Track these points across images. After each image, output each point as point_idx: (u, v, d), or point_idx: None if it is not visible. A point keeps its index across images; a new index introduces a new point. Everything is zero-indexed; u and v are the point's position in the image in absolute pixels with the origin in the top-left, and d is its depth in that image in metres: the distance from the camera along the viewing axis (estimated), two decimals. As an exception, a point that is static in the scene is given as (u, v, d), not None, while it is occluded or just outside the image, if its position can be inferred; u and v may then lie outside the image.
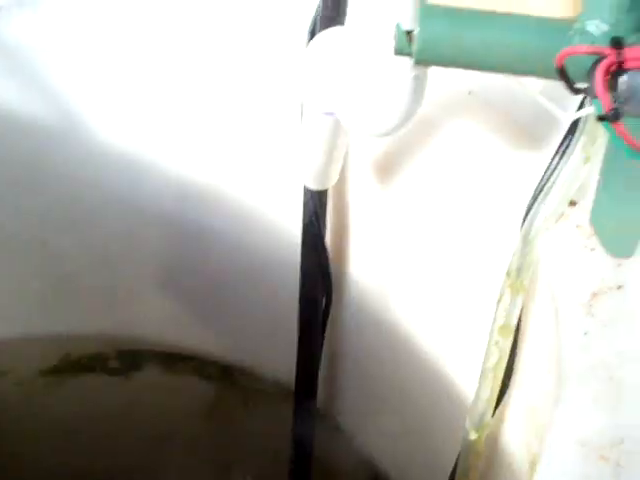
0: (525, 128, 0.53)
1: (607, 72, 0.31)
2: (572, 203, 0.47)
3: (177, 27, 0.66)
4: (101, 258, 0.84)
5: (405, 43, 0.35)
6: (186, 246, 0.86)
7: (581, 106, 0.43)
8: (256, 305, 0.86)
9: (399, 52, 0.35)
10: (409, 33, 0.35)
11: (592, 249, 0.43)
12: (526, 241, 0.46)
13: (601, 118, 0.31)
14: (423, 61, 0.35)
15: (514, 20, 0.35)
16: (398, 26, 0.35)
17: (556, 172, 0.46)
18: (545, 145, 0.51)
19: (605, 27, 0.34)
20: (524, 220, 0.47)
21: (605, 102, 0.30)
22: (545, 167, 0.46)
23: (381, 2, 0.38)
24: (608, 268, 0.41)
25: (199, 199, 0.81)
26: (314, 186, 0.64)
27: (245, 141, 0.73)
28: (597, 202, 0.41)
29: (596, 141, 0.45)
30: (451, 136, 0.57)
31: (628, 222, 0.40)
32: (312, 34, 0.59)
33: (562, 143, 0.46)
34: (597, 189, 0.41)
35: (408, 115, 0.41)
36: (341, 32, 0.46)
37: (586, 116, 0.44)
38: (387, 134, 0.42)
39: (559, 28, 0.34)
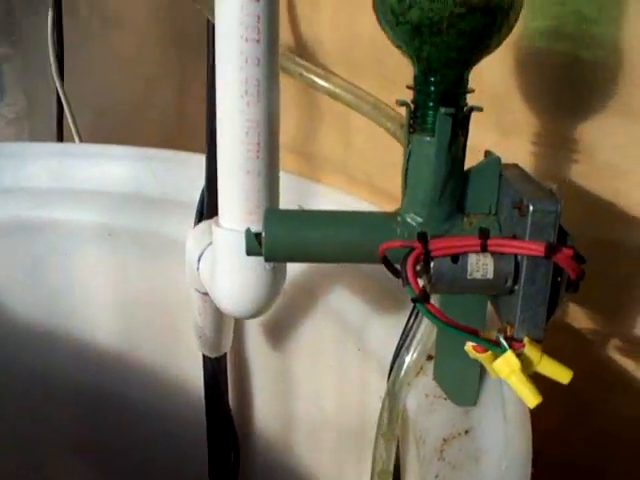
0: (389, 292, 0.59)
1: (416, 262, 0.37)
2: (429, 357, 0.53)
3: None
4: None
5: (255, 245, 0.41)
6: (97, 413, 0.89)
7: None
8: (167, 466, 0.89)
9: (250, 253, 0.41)
10: (257, 236, 0.41)
11: (445, 398, 0.49)
12: (392, 394, 0.52)
13: (415, 299, 0.37)
14: (272, 259, 0.42)
15: (347, 218, 0.42)
16: (247, 230, 0.41)
17: (412, 331, 0.52)
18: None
19: (419, 219, 0.41)
20: (389, 374, 0.53)
21: (415, 287, 0.37)
22: (403, 327, 0.53)
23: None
24: (458, 415, 0.47)
25: (112, 368, 0.85)
26: (209, 354, 0.69)
27: (151, 312, 0.79)
28: (437, 360, 0.48)
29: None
30: (327, 303, 0.64)
31: (465, 376, 0.47)
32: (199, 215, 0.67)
33: (413, 308, 0.52)
34: (436, 349, 0.47)
35: (270, 299, 0.47)
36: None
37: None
38: (255, 316, 0.48)
39: (384, 222, 0.41)
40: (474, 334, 0.38)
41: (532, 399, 0.37)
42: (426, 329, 0.52)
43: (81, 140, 0.90)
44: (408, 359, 0.52)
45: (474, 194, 0.42)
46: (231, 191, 0.44)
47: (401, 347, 0.53)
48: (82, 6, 0.92)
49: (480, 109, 0.40)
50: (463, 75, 0.40)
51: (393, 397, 0.52)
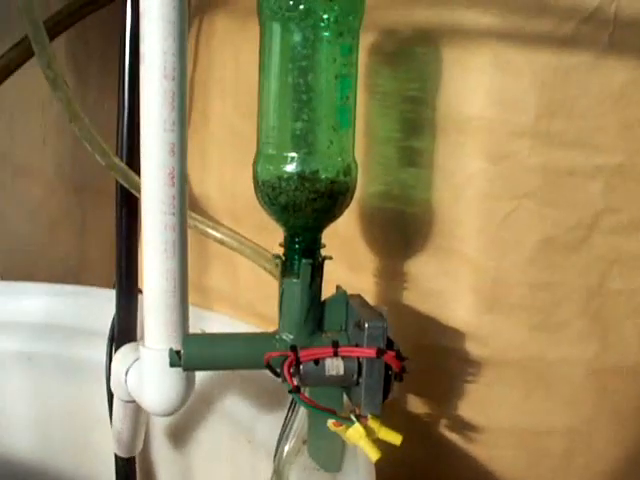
0: (273, 393, 0.75)
1: (290, 365, 0.54)
2: (304, 442, 0.69)
3: None
4: None
5: (176, 359, 0.57)
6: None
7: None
8: None
9: (173, 365, 0.57)
10: (178, 352, 0.57)
11: (318, 469, 0.65)
12: (278, 472, 0.68)
13: (290, 391, 0.54)
14: (188, 369, 0.58)
15: (242, 337, 0.59)
16: (170, 349, 0.57)
17: (290, 422, 0.68)
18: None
19: (291, 336, 0.58)
20: (275, 455, 0.68)
21: (290, 383, 0.54)
22: (283, 418, 0.69)
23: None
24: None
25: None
26: (124, 454, 0.82)
27: (68, 427, 0.92)
28: (309, 439, 0.64)
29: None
30: (221, 406, 0.79)
31: (331, 449, 0.63)
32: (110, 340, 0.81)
33: (291, 403, 0.68)
34: (308, 431, 0.64)
35: (185, 399, 0.62)
36: (134, 347, 0.68)
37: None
38: (172, 413, 0.63)
39: (267, 339, 0.58)
40: (333, 413, 0.55)
41: (374, 455, 0.54)
42: (301, 420, 0.68)
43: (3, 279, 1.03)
44: (288, 445, 0.68)
45: (329, 317, 0.59)
46: (154, 321, 0.60)
47: (282, 437, 0.69)
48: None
49: (330, 258, 0.58)
50: (317, 236, 0.58)
51: (279, 475, 0.68)
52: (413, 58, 0.67)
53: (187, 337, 0.58)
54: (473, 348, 0.69)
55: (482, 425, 0.71)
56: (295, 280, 0.57)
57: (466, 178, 0.66)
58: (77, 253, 1.27)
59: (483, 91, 0.64)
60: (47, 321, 0.96)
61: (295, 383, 0.54)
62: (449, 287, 0.69)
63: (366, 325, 0.54)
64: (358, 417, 0.55)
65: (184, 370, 0.57)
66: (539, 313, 0.68)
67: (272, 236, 0.77)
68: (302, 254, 0.57)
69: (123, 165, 0.79)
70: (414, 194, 0.68)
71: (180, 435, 0.87)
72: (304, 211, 0.55)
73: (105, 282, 1.10)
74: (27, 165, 1.20)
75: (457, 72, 0.65)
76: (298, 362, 0.54)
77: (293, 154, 0.55)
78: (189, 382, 0.62)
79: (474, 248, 0.67)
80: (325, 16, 0.54)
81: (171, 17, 0.56)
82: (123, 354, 0.68)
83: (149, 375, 0.62)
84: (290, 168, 0.55)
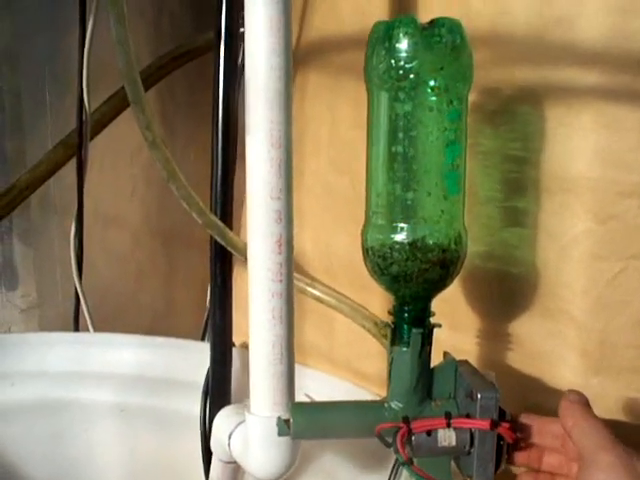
0: (372, 455, 0.75)
1: (403, 437, 0.54)
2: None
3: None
4: None
5: (284, 428, 0.57)
6: None
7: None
8: None
9: (281, 434, 0.57)
10: (286, 421, 0.57)
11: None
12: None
13: (402, 463, 0.53)
14: (297, 438, 0.58)
15: (349, 406, 0.59)
16: (279, 418, 0.57)
17: (393, 485, 0.68)
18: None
19: (401, 404, 0.57)
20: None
21: (403, 455, 0.53)
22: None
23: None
24: None
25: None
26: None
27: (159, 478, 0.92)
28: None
29: (415, 461, 0.68)
30: (322, 464, 0.79)
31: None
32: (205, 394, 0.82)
33: (393, 467, 0.68)
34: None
35: (291, 465, 0.62)
36: (237, 410, 0.68)
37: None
38: (279, 479, 0.63)
39: (376, 408, 0.58)
40: (445, 486, 0.55)
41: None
42: (405, 482, 0.68)
43: (95, 329, 1.05)
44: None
45: (438, 384, 0.58)
46: (261, 388, 0.60)
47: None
48: (86, 208, 1.08)
49: (439, 325, 0.58)
50: (427, 305, 0.57)
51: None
52: (515, 117, 0.66)
53: (295, 406, 0.58)
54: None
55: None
56: (405, 349, 0.56)
57: (572, 238, 0.65)
58: (164, 301, 1.28)
59: (589, 150, 0.63)
60: (139, 373, 0.97)
61: (408, 455, 0.53)
62: (555, 348, 0.67)
63: (479, 396, 0.54)
64: (474, 489, 0.55)
65: (293, 439, 0.57)
66: (649, 376, 0.66)
67: (369, 294, 0.77)
68: (412, 323, 0.57)
69: (220, 223, 0.80)
70: (518, 254, 0.67)
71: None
72: (415, 281, 0.55)
73: (191, 331, 1.11)
74: (116, 215, 1.22)
75: (561, 131, 0.64)
76: (410, 433, 0.54)
77: (403, 224, 0.55)
78: (296, 449, 0.62)
79: (581, 309, 0.65)
80: (434, 84, 0.53)
81: (277, 86, 0.56)
82: (226, 416, 0.68)
83: (255, 441, 0.61)
84: (400, 238, 0.54)
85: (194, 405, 0.89)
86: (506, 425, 0.53)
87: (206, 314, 1.08)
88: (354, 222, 0.81)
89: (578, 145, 0.64)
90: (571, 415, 0.54)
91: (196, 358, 0.94)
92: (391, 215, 0.55)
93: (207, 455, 0.88)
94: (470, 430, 0.54)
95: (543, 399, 0.68)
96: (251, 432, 0.62)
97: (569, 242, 0.65)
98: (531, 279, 0.67)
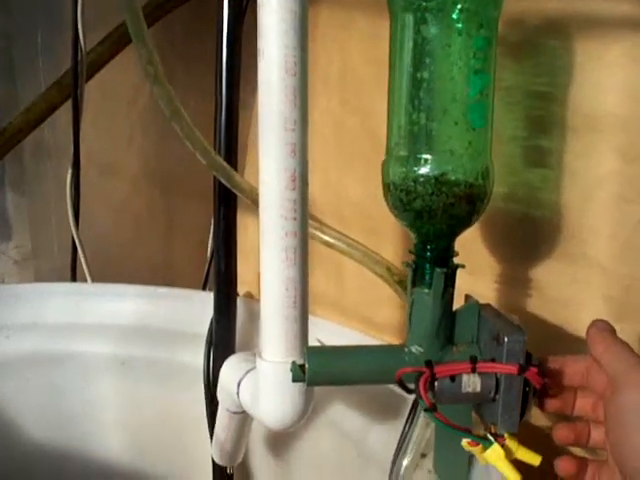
0: (386, 406, 0.72)
1: (426, 382, 0.51)
2: (423, 455, 0.65)
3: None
4: None
5: (299, 374, 0.54)
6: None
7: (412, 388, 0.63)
8: None
9: (295, 380, 0.54)
10: (301, 366, 0.54)
11: (437, 485, 0.62)
12: (396, 488, 0.64)
13: (426, 410, 0.50)
14: (312, 385, 0.55)
15: (367, 351, 0.55)
16: (293, 363, 0.54)
17: (409, 435, 0.65)
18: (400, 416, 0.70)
19: (421, 349, 0.55)
20: (390, 472, 0.65)
21: (426, 401, 0.50)
22: (400, 433, 0.65)
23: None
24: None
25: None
26: (226, 464, 0.80)
27: (162, 433, 0.90)
28: (436, 455, 0.60)
29: (431, 410, 0.65)
30: (329, 415, 0.76)
31: (457, 466, 0.59)
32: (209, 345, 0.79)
33: (409, 415, 0.65)
34: (435, 448, 0.60)
35: (304, 414, 0.59)
36: (246, 357, 0.65)
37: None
38: (291, 429, 0.60)
39: (395, 352, 0.55)
40: (469, 432, 0.52)
41: (515, 478, 0.50)
42: (419, 434, 0.65)
43: (93, 280, 1.01)
44: (407, 459, 0.65)
45: (460, 329, 0.55)
46: (273, 332, 0.57)
47: (400, 450, 0.66)
48: (81, 156, 1.04)
49: (463, 266, 0.54)
50: (451, 243, 0.54)
51: (397, 491, 0.64)
52: (541, 50, 0.63)
53: (311, 350, 0.55)
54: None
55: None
56: (427, 290, 0.53)
57: (598, 179, 0.62)
58: (163, 251, 1.25)
59: (618, 87, 0.60)
60: (140, 324, 0.94)
61: (431, 401, 0.51)
62: (577, 295, 0.64)
63: (505, 339, 0.51)
64: (495, 436, 0.52)
65: (308, 385, 0.54)
66: (676, 323, 0.63)
67: (381, 240, 0.74)
68: (435, 262, 0.54)
69: (225, 164, 0.76)
70: (540, 196, 0.64)
71: (281, 445, 0.85)
72: (440, 217, 0.52)
73: (191, 282, 1.08)
74: (113, 163, 1.18)
75: (590, 66, 0.61)
76: (433, 378, 0.51)
77: (427, 155, 0.51)
78: (309, 396, 0.59)
79: (606, 254, 0.63)
80: (463, 5, 0.50)
81: (292, 7, 0.52)
82: (234, 364, 0.65)
83: (267, 389, 0.58)
84: (425, 170, 0.51)
85: (197, 356, 0.86)
86: (534, 370, 0.50)
87: (207, 264, 1.05)
88: (365, 164, 0.78)
89: (607, 81, 0.60)
90: (601, 341, 0.52)
91: (199, 308, 0.91)
92: (415, 146, 0.51)
93: (211, 407, 0.85)
94: (495, 375, 0.51)
95: (564, 347, 0.66)
96: (262, 379, 0.58)
97: (595, 183, 0.62)
98: (554, 222, 0.64)
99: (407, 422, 0.65)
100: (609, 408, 0.49)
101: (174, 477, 0.94)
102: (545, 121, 0.63)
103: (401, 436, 0.65)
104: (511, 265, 0.67)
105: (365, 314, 0.80)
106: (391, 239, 0.75)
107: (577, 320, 0.65)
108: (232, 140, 0.82)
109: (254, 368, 0.62)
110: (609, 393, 0.50)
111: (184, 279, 1.13)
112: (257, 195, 0.78)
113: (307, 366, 0.53)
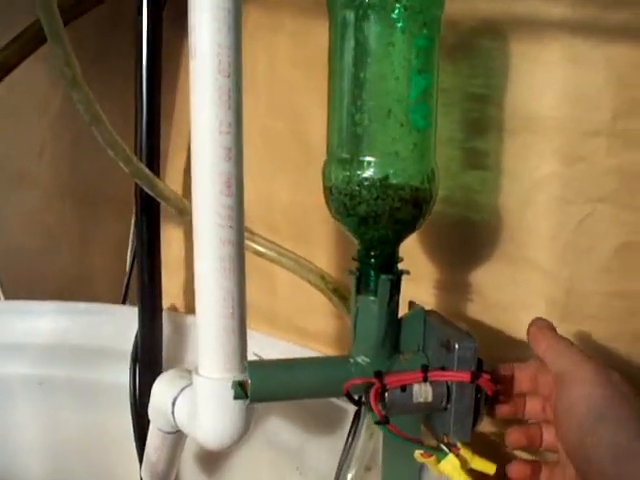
0: (318, 416, 0.70)
1: (377, 394, 0.49)
2: (367, 469, 0.63)
3: None
4: None
5: (240, 392, 0.51)
6: None
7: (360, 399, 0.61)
8: None
9: (237, 397, 0.51)
10: (242, 383, 0.51)
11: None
12: (340, 504, 0.62)
13: (377, 422, 0.48)
14: (256, 401, 0.52)
15: (311, 364, 0.53)
16: (234, 381, 0.51)
17: (352, 448, 0.63)
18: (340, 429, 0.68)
19: (367, 359, 0.52)
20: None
21: (378, 413, 0.48)
22: (343, 445, 0.63)
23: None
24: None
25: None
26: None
27: (84, 455, 0.85)
28: (384, 469, 0.58)
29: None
30: (265, 430, 0.73)
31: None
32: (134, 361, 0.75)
33: (351, 427, 0.63)
34: (382, 462, 0.58)
35: (245, 432, 0.56)
36: (180, 374, 0.62)
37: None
38: (230, 447, 0.57)
39: (341, 364, 0.53)
40: (421, 444, 0.50)
41: (471, 488, 0.49)
42: (363, 446, 0.63)
43: (5, 297, 0.96)
44: (351, 473, 0.62)
45: (405, 336, 0.54)
46: (211, 346, 0.53)
47: (343, 464, 0.63)
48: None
49: (408, 272, 0.53)
50: (396, 249, 0.52)
51: (341, 507, 0.62)
52: (477, 52, 0.62)
53: (252, 365, 0.52)
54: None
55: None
56: (372, 298, 0.51)
57: (536, 181, 0.61)
58: (78, 265, 1.19)
59: (555, 87, 0.59)
60: (58, 342, 0.89)
61: (382, 413, 0.48)
62: (518, 298, 0.64)
63: (456, 346, 0.49)
64: (449, 446, 0.50)
65: (251, 402, 0.51)
66: (615, 323, 0.63)
67: (314, 248, 0.72)
68: (380, 269, 0.52)
69: (149, 172, 0.73)
70: (479, 199, 0.63)
71: (214, 463, 0.81)
72: (385, 222, 0.50)
73: (109, 296, 1.03)
74: (23, 172, 1.13)
75: (526, 67, 0.60)
76: (384, 389, 0.49)
77: (371, 158, 0.49)
78: (250, 413, 0.56)
79: (546, 256, 0.62)
80: (406, 3, 0.48)
81: (226, 4, 0.50)
82: (167, 381, 0.62)
83: (205, 407, 0.55)
84: (369, 174, 0.49)
85: (122, 374, 0.82)
86: (487, 376, 0.49)
87: (127, 277, 1.01)
88: (295, 170, 0.75)
89: (543, 82, 0.60)
90: (542, 339, 0.52)
91: (121, 323, 0.87)
92: (358, 148, 0.49)
93: (139, 427, 0.82)
94: (447, 384, 0.50)
95: (507, 351, 0.65)
96: (200, 396, 0.55)
97: (533, 185, 0.61)
98: (493, 225, 0.63)
99: (349, 435, 0.63)
100: (558, 405, 0.49)
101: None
102: (482, 123, 0.62)
103: (344, 449, 0.63)
104: (451, 270, 0.66)
105: (299, 324, 0.78)
106: (324, 246, 0.73)
107: (519, 323, 0.63)
108: (154, 147, 0.79)
109: (189, 385, 0.59)
110: (556, 390, 0.49)
111: (101, 293, 1.08)
112: (182, 204, 0.75)
113: (249, 382, 0.50)
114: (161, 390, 0.62)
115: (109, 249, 1.16)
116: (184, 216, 0.74)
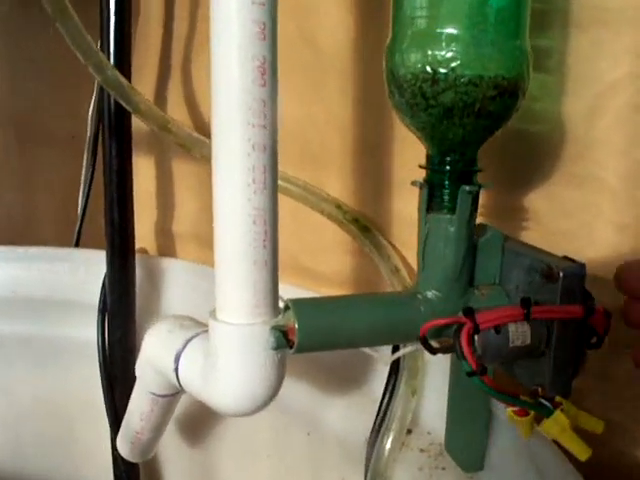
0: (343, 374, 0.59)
1: (469, 335, 0.38)
2: (409, 431, 0.53)
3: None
4: None
5: (282, 339, 0.40)
6: None
7: (396, 348, 0.50)
8: None
9: (279, 347, 0.40)
10: (282, 330, 0.39)
11: (443, 468, 0.49)
12: (377, 472, 0.51)
13: (470, 374, 0.38)
14: (303, 351, 0.40)
15: (370, 301, 0.42)
16: (274, 325, 0.40)
17: (390, 409, 0.52)
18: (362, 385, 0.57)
19: (440, 294, 0.42)
20: (368, 455, 0.52)
21: (472, 362, 0.37)
22: (377, 406, 0.52)
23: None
24: (462, 481, 0.48)
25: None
26: (136, 460, 0.64)
27: (41, 423, 0.72)
28: (448, 432, 0.48)
29: (417, 375, 0.52)
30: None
31: (474, 443, 0.47)
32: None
33: (387, 384, 0.52)
34: (447, 422, 0.48)
35: (274, 394, 0.44)
36: (180, 321, 0.50)
37: (404, 355, 0.52)
38: (253, 413, 0.45)
39: (406, 301, 0.41)
40: (517, 397, 0.39)
41: (584, 453, 0.39)
42: (403, 406, 0.52)
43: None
44: (390, 437, 0.52)
45: (480, 267, 0.43)
46: (237, 284, 0.41)
47: (379, 427, 0.53)
48: None
49: (491, 185, 0.42)
50: (476, 155, 0.41)
51: (378, 475, 0.52)
52: None
53: (297, 305, 0.40)
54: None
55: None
56: (449, 216, 0.40)
57: (609, 86, 0.51)
58: (22, 206, 1.05)
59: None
60: (10, 294, 0.75)
61: (478, 361, 0.38)
62: (584, 225, 0.54)
63: (561, 274, 0.38)
64: (550, 402, 0.40)
65: (297, 352, 0.40)
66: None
67: (324, 172, 0.61)
68: (457, 179, 0.40)
69: (123, 79, 0.60)
70: (538, 107, 0.53)
71: (201, 431, 0.70)
72: (474, 116, 0.38)
73: (58, 239, 0.89)
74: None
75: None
76: (476, 331, 0.38)
77: (458, 31, 0.37)
78: (281, 371, 0.43)
79: (618, 175, 0.52)
80: None
81: None
82: (164, 332, 0.49)
83: (228, 361, 0.43)
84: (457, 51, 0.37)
85: (86, 328, 0.70)
86: (601, 310, 0.39)
87: (80, 218, 0.87)
88: (303, 76, 0.64)
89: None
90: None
91: (82, 270, 0.74)
92: (443, 17, 0.37)
93: (109, 390, 0.70)
94: (546, 323, 0.39)
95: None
96: (221, 349, 0.43)
97: (605, 90, 0.51)
98: (555, 138, 0.53)
99: (385, 393, 0.52)
100: None
101: (63, 476, 0.77)
102: (544, 17, 0.51)
103: (379, 411, 0.53)
104: (504, 193, 0.55)
105: (307, 264, 0.66)
106: (336, 171, 0.62)
107: (582, 254, 0.54)
108: (125, 50, 0.66)
109: (198, 335, 0.47)
110: None
111: (49, 236, 0.94)
112: (164, 120, 0.63)
113: (297, 327, 0.39)
114: (156, 343, 0.50)
115: (58, 188, 1.03)
116: (167, 134, 0.62)
